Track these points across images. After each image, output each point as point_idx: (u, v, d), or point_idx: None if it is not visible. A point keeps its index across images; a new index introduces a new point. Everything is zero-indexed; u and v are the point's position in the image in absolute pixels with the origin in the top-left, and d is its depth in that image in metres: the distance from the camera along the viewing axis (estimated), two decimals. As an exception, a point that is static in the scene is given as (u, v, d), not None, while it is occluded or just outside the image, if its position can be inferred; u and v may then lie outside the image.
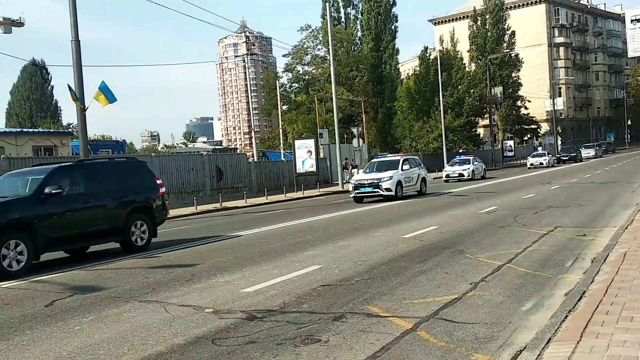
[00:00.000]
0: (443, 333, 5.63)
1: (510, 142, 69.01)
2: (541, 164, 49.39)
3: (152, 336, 5.99)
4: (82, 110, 20.50)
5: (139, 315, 6.91)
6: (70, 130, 53.34)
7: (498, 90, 66.75)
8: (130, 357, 5.35)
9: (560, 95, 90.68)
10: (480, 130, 71.05)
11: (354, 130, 39.81)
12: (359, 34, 65.31)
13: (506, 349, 5.16)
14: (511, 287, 7.43)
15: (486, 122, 70.90)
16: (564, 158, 57.44)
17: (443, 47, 64.55)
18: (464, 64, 65.38)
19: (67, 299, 8.19)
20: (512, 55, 71.05)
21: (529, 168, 48.44)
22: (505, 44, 71.15)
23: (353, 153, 40.36)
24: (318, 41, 60.24)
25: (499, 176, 39.69)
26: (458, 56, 64.16)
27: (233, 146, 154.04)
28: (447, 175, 37.17)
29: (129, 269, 10.47)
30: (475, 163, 37.79)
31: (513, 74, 71.82)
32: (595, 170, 37.66)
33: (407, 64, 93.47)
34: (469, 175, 36.20)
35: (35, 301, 8.17)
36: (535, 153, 54.50)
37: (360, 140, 39.88)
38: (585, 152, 63.79)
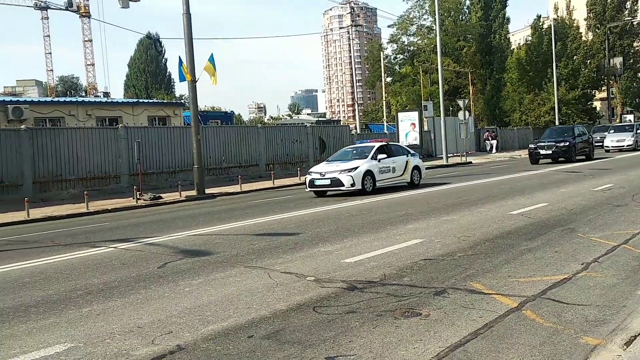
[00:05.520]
0: (550, 314, 5.40)
1: (630, 117, 64.53)
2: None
3: (256, 300, 6.18)
4: (192, 83, 21.30)
5: (244, 280, 7.15)
6: (182, 101, 55.62)
7: (617, 61, 62.60)
8: (235, 320, 5.55)
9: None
10: (597, 104, 67.08)
11: (460, 102, 38.80)
12: (467, 2, 63.10)
13: (619, 334, 4.88)
14: (626, 269, 7.00)
15: (603, 94, 66.82)
16: (542, 152, 29.05)
17: (558, 16, 61.21)
18: (580, 33, 61.68)
19: (178, 261, 8.62)
20: (635, 23, 66.13)
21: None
22: (626, 12, 66.33)
23: (459, 126, 39.39)
24: (424, 11, 58.84)
25: (614, 153, 37.39)
26: (574, 25, 60.57)
27: (336, 118, 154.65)
28: None
29: (235, 235, 10.86)
30: None
31: (635, 44, 66.94)
32: None
33: (518, 34, 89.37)
34: None
35: (149, 262, 8.67)
36: (352, 148, 20.76)
37: (467, 113, 38.81)
38: (614, 139, 38.41)
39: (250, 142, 29.93)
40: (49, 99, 41.66)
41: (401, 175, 19.21)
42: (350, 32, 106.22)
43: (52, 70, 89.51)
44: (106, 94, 56.62)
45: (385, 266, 7.50)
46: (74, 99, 37.16)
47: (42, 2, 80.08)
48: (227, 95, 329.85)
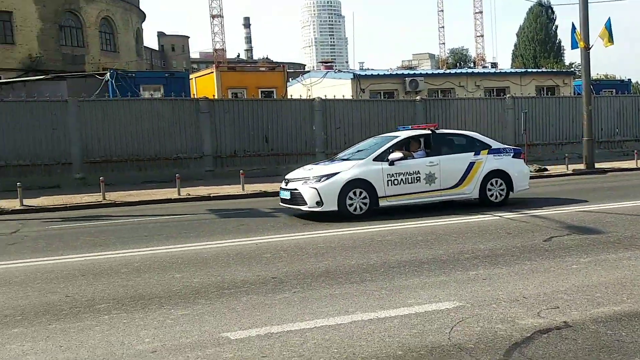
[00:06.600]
0: None
1: None
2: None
3: (654, 289, 5.60)
4: (585, 50, 20.02)
5: (640, 265, 6.54)
6: (572, 69, 52.70)
7: None
8: (630, 306, 5.13)
9: None
10: None
11: None
12: None
13: None
14: None
15: None
16: None
17: None
18: None
19: (565, 237, 8.34)
20: None
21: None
22: None
23: None
24: None
25: None
26: None
27: None
28: None
29: (631, 215, 9.99)
30: None
31: None
32: None
33: None
34: None
35: (534, 234, 8.59)
36: (382, 138, 13.06)
37: None
38: None
39: (651, 113, 26.85)
40: (440, 71, 44.11)
41: (452, 188, 11.69)
42: None
43: (443, 44, 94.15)
44: (494, 65, 57.14)
45: None
46: (463, 71, 38.56)
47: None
48: (624, 63, 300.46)
